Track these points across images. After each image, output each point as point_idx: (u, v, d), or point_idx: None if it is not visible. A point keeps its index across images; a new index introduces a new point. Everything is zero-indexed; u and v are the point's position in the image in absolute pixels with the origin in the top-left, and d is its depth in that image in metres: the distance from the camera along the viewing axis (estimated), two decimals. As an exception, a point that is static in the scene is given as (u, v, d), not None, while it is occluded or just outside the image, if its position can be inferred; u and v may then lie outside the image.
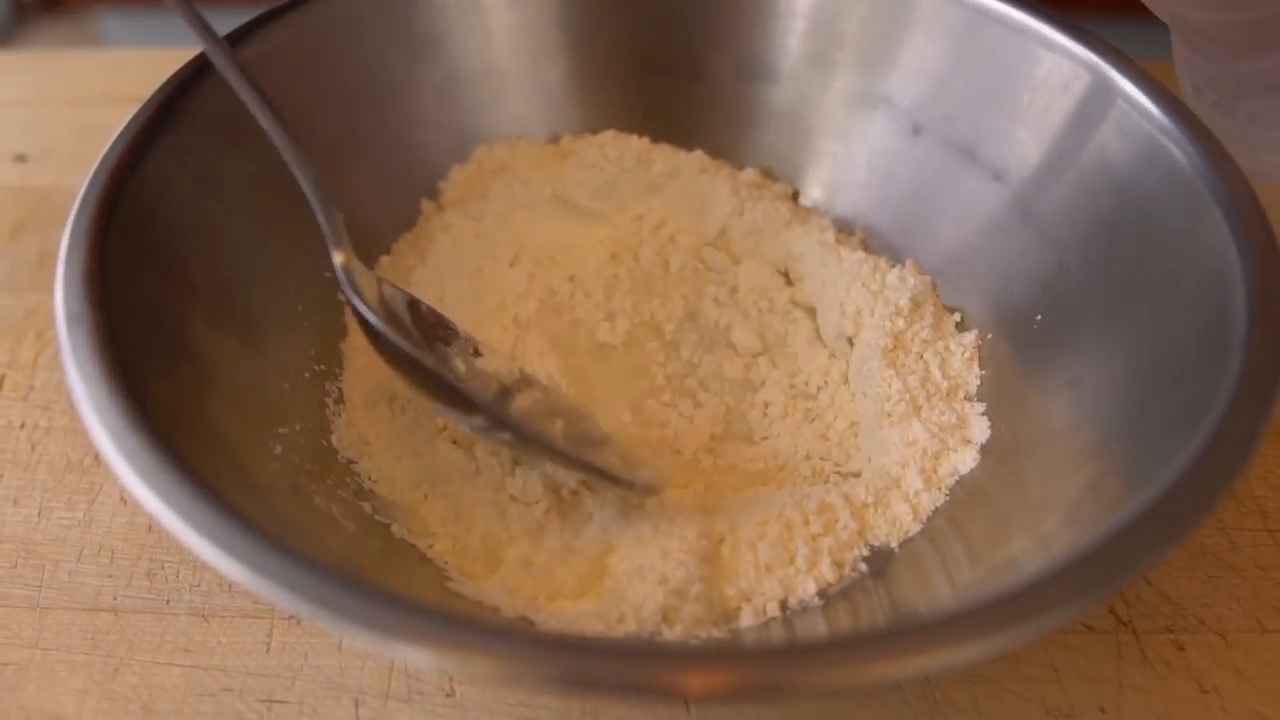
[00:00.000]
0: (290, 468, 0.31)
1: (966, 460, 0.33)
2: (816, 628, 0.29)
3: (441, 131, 0.42)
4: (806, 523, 0.32)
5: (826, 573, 0.31)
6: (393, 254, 0.41)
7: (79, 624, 0.32)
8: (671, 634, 0.29)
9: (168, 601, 0.33)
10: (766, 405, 0.38)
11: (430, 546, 0.32)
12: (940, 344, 0.37)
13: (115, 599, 0.33)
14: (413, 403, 0.35)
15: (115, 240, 0.28)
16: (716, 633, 0.29)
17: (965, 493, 0.33)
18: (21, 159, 0.50)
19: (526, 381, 0.33)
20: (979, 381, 0.36)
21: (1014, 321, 0.36)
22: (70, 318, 0.26)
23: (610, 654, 0.22)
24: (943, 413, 0.35)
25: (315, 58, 0.38)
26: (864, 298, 0.38)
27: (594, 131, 0.44)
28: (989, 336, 0.37)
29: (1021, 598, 0.22)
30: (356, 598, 0.21)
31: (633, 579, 0.30)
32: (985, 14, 0.37)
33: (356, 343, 0.37)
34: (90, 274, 0.27)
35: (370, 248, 0.40)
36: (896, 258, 0.40)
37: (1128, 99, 0.33)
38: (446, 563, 0.31)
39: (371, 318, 0.30)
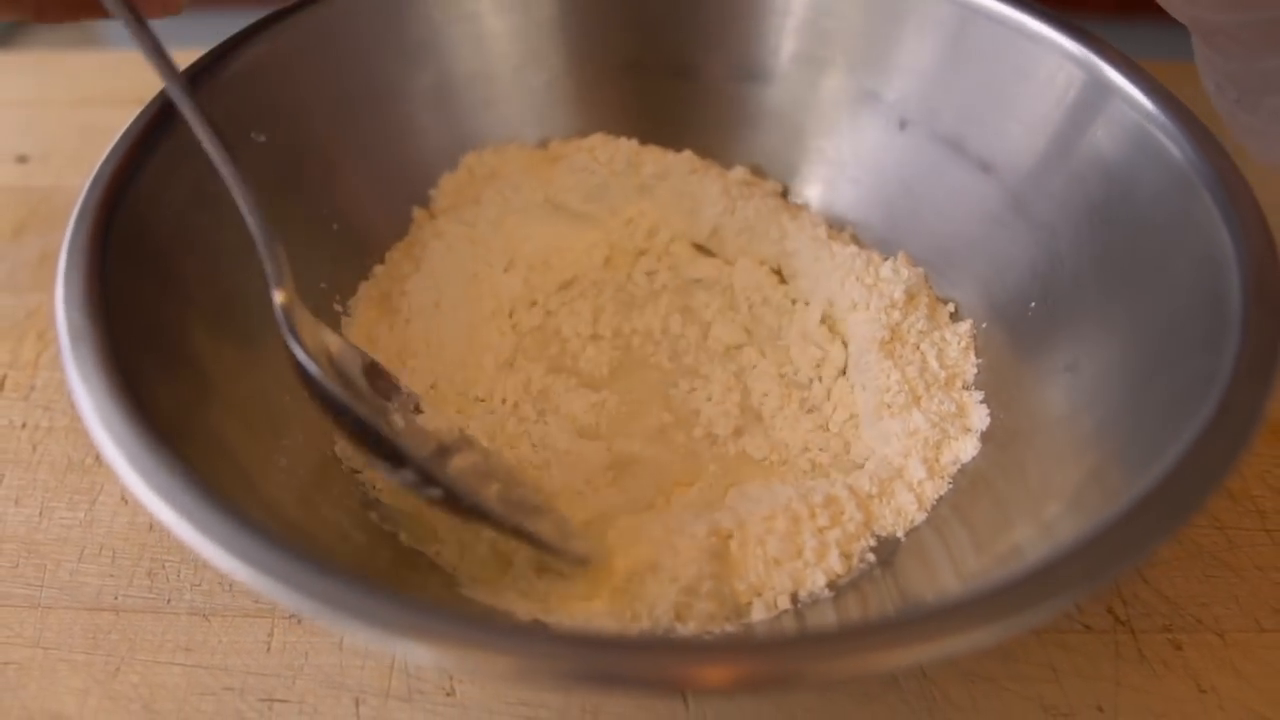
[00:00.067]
0: (297, 479, 0.31)
1: (968, 448, 0.34)
2: (828, 620, 0.30)
3: (432, 137, 0.42)
4: (813, 515, 0.32)
5: (835, 564, 0.31)
6: (387, 263, 0.40)
7: (80, 623, 0.32)
8: (685, 631, 0.29)
9: (169, 601, 0.33)
10: (765, 394, 0.38)
11: (438, 553, 0.32)
12: (936, 334, 0.37)
13: (116, 598, 0.33)
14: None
15: (114, 256, 0.28)
16: (729, 628, 0.30)
17: (968, 480, 0.33)
18: (23, 160, 0.51)
19: (466, 442, 0.33)
20: (976, 370, 0.36)
21: (1007, 309, 0.36)
22: (73, 336, 0.26)
23: (618, 649, 0.22)
24: (942, 402, 0.35)
25: (310, 64, 0.38)
26: (859, 291, 0.39)
27: (583, 135, 0.44)
28: (984, 325, 0.37)
29: (1027, 583, 0.22)
30: (364, 596, 0.21)
31: (645, 578, 0.30)
32: (973, 9, 0.38)
33: None
34: (91, 288, 0.27)
35: (365, 256, 0.40)
36: (888, 251, 0.41)
37: (1114, 87, 0.33)
38: (456, 569, 0.31)
39: (306, 361, 0.29)
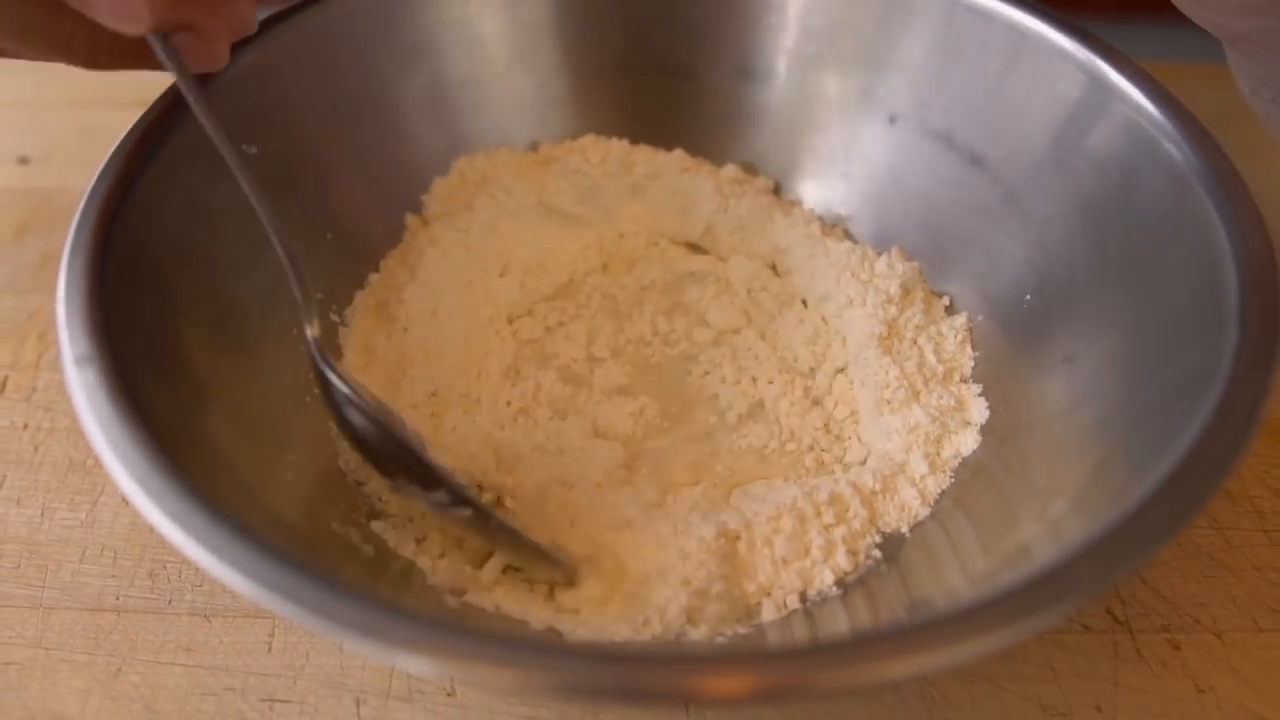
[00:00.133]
0: (304, 494, 0.31)
1: (968, 442, 0.34)
2: (837, 618, 0.30)
3: (425, 142, 0.42)
4: (819, 514, 0.32)
5: (842, 562, 0.31)
6: (382, 271, 0.40)
7: (82, 624, 0.32)
8: (697, 634, 0.29)
9: (170, 601, 0.33)
10: (769, 382, 0.38)
11: (444, 563, 0.32)
12: (932, 328, 0.38)
13: (118, 599, 0.33)
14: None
15: (112, 275, 0.28)
16: (740, 629, 0.30)
17: (970, 474, 0.33)
18: (24, 161, 0.51)
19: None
20: (973, 363, 0.37)
21: (1002, 302, 0.37)
22: (78, 360, 0.26)
23: (623, 663, 0.22)
24: (941, 396, 0.35)
25: (302, 69, 0.38)
26: (854, 287, 0.39)
27: (574, 136, 0.44)
28: (979, 318, 0.37)
29: (1035, 587, 0.22)
30: (362, 609, 0.21)
31: (655, 582, 0.30)
32: (966, 6, 0.38)
33: (353, 361, 0.37)
34: (92, 311, 0.27)
35: (360, 265, 0.40)
36: (882, 246, 0.41)
37: (1113, 87, 0.33)
38: (464, 575, 0.31)
39: (347, 392, 0.30)
